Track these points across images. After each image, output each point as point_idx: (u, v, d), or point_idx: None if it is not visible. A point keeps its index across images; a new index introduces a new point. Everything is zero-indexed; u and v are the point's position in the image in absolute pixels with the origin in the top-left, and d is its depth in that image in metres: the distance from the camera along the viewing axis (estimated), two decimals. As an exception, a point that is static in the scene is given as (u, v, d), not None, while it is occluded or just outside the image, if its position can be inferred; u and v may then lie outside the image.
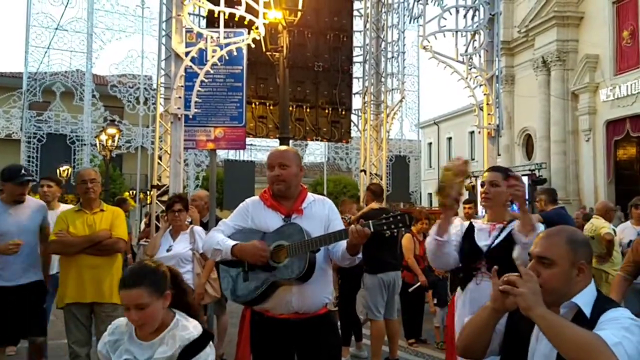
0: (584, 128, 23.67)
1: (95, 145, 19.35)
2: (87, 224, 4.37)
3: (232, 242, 2.93)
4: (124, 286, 2.08)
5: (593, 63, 23.13)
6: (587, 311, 1.81)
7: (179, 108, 5.81)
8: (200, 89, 5.77)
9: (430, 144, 40.99)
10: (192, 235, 4.99)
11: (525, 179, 22.66)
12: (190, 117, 5.86)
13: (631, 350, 1.65)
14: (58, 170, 20.69)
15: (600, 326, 1.73)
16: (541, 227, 2.97)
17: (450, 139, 38.62)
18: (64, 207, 5.16)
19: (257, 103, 8.38)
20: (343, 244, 2.88)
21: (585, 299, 1.83)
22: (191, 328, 2.12)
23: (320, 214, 3.06)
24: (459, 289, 3.29)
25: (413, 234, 6.68)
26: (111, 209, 4.67)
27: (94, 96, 23.10)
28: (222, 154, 26.32)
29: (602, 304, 1.84)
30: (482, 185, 3.17)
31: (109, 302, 4.21)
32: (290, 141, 21.53)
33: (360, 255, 2.98)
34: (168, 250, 4.89)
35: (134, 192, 24.38)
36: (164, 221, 5.46)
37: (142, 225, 10.54)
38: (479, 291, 3.05)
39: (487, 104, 6.92)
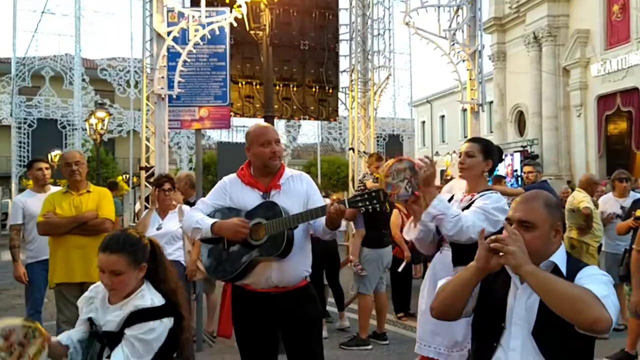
0: (575, 103, 23.71)
1: (86, 129, 19.27)
2: (73, 205, 4.40)
3: (211, 220, 2.96)
4: (104, 250, 2.14)
5: (584, 38, 23.09)
6: (563, 269, 1.90)
7: (162, 88, 5.80)
8: (183, 68, 5.75)
9: (423, 122, 41.01)
10: (180, 213, 5.03)
11: (517, 156, 22.91)
12: (174, 97, 5.84)
13: (616, 301, 1.73)
14: (49, 155, 20.62)
15: (580, 282, 1.80)
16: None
17: (443, 117, 38.63)
18: (53, 189, 5.17)
19: (243, 83, 8.36)
20: (323, 218, 2.92)
21: (560, 258, 1.92)
22: (149, 299, 2.15)
23: (298, 190, 3.09)
24: None
25: (400, 210, 6.74)
26: (98, 189, 4.71)
27: (83, 80, 22.96)
28: (215, 136, 26.34)
29: (574, 262, 1.94)
30: (459, 155, 3.22)
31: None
32: (283, 121, 21.41)
33: (343, 229, 3.04)
34: (158, 229, 4.93)
35: (127, 176, 24.33)
36: (152, 201, 5.49)
37: (137, 207, 10.56)
38: (442, 259, 3.16)
39: (470, 79, 6.94)
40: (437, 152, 33.70)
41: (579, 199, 6.29)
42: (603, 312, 1.67)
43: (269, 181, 3.07)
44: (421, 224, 3.00)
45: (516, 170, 22.78)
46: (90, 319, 2.15)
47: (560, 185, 15.68)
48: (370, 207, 2.74)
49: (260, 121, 5.30)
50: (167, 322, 2.13)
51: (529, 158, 23.50)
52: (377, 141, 28.32)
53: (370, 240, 5.81)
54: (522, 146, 25.02)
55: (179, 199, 5.38)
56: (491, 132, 30.74)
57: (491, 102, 30.00)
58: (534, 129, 25.50)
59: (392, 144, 29.88)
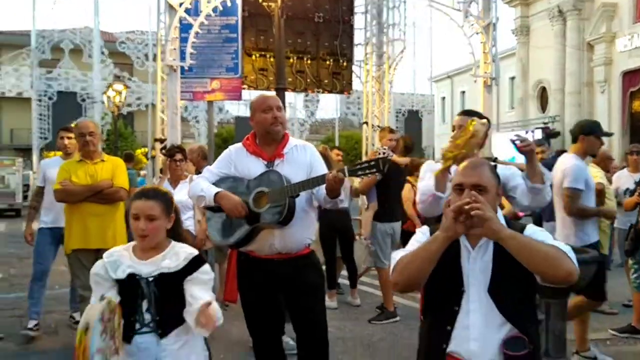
0: (599, 79, 23.20)
1: (105, 102, 19.47)
2: (88, 174, 4.49)
3: (215, 190, 3.02)
4: (142, 197, 2.28)
5: (610, 12, 22.45)
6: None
7: (174, 59, 5.82)
8: (195, 40, 5.76)
9: (443, 98, 40.48)
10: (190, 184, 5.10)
11: (538, 133, 22.59)
12: (186, 68, 5.88)
13: (573, 255, 1.88)
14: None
15: (534, 238, 1.92)
16: (549, 174, 3.19)
17: (464, 92, 38.08)
18: None
19: (257, 55, 8.32)
20: (324, 187, 2.95)
21: (503, 219, 2.02)
22: (188, 248, 2.33)
23: (302, 160, 3.11)
24: None
25: (412, 184, 6.73)
26: (111, 159, 4.79)
27: (102, 53, 23.10)
28: (233, 110, 26.40)
29: (509, 221, 2.05)
30: (453, 129, 3.17)
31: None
32: (302, 95, 21.27)
33: (342, 198, 3.06)
34: None
35: (146, 149, 24.59)
36: (164, 171, 5.57)
37: (155, 182, 10.71)
38: None
39: (484, 52, 6.82)
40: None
41: (592, 174, 6.18)
42: (573, 265, 1.84)
43: (273, 150, 3.10)
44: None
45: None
46: (131, 275, 2.23)
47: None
48: (369, 174, 2.76)
49: (271, 93, 5.31)
50: (210, 269, 2.32)
51: (550, 135, 23.17)
52: (396, 117, 28.18)
53: (382, 214, 5.83)
54: (543, 123, 24.65)
55: (190, 169, 5.45)
56: (512, 108, 30.29)
57: (513, 78, 29.50)
58: (557, 105, 25.06)
59: (411, 120, 29.68)
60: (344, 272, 6.80)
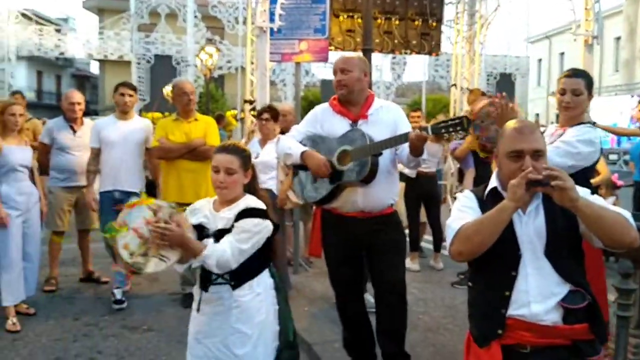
0: None
1: (197, 65, 20.16)
2: (184, 132, 4.74)
3: (302, 148, 3.11)
4: (223, 150, 2.40)
5: None
6: None
7: (264, 21, 5.93)
8: (284, 1, 5.82)
9: (540, 60, 38.19)
10: (277, 145, 5.22)
11: (644, 98, 20.91)
12: (275, 30, 5.96)
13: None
14: (164, 90, 21.90)
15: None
16: None
17: (562, 54, 35.71)
18: (138, 118, 5.16)
19: (345, 16, 8.23)
20: (407, 146, 2.95)
21: None
22: (253, 202, 2.38)
23: (386, 120, 3.12)
24: None
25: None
26: (204, 118, 5.02)
27: (195, 17, 23.84)
28: (319, 74, 26.47)
29: None
30: (562, 92, 2.94)
31: None
32: (389, 57, 20.85)
33: (425, 157, 3.06)
34: (255, 158, 5.17)
35: (235, 111, 25.37)
36: (254, 130, 5.72)
37: (243, 141, 11.10)
38: None
39: (586, 9, 6.35)
40: (552, 92, 31.51)
41: None
42: (636, 231, 1.88)
43: (358, 110, 3.13)
44: None
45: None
46: (200, 224, 2.38)
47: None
48: (453, 133, 2.72)
49: (358, 54, 5.28)
50: (269, 225, 2.37)
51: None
52: (488, 80, 27.02)
53: (479, 179, 5.73)
54: (651, 87, 22.73)
55: (277, 130, 5.57)
56: (617, 70, 28.09)
57: (619, 38, 27.25)
58: (667, 67, 22.97)
59: (504, 83, 28.34)
60: (427, 237, 6.78)
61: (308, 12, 5.88)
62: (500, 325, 1.94)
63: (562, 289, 1.95)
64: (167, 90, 23.06)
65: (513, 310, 1.94)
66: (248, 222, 2.30)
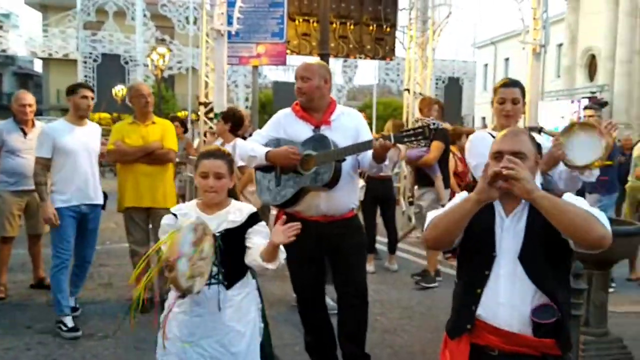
0: (652, 47, 22.22)
1: (147, 65, 19.75)
2: (140, 135, 4.65)
3: (266, 149, 3.13)
4: (211, 156, 2.45)
5: (668, -25, 21.32)
6: None
7: (221, 24, 5.90)
8: (242, 5, 5.81)
9: (486, 65, 39.44)
10: (234, 148, 5.21)
11: (585, 102, 21.94)
12: (233, 33, 5.95)
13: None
14: (113, 90, 21.36)
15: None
16: None
17: (507, 60, 36.98)
18: (91, 124, 4.60)
19: (300, 20, 8.26)
20: (370, 153, 3.02)
21: (539, 186, 2.03)
22: (247, 205, 2.51)
23: (348, 126, 3.19)
24: None
25: (453, 153, 6.71)
26: (161, 121, 4.94)
27: (145, 16, 23.35)
28: (271, 75, 26.41)
29: (548, 191, 2.03)
30: (501, 101, 3.02)
31: (164, 207, 4.35)
32: (340, 60, 21.02)
33: (386, 164, 3.13)
34: None
35: (186, 112, 24.99)
36: (210, 136, 5.67)
37: (196, 143, 10.93)
38: None
39: (534, 18, 6.63)
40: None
41: None
42: (606, 229, 1.85)
43: (320, 116, 3.18)
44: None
45: (580, 118, 21.84)
46: None
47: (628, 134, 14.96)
48: (415, 142, 2.81)
49: (316, 59, 5.33)
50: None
51: (597, 104, 22.42)
52: (437, 84, 27.67)
53: (429, 180, 5.96)
54: (591, 92, 23.86)
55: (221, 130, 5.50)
56: (558, 76, 29.32)
57: (560, 45, 28.46)
58: (606, 74, 24.16)
59: (452, 88, 29.12)
60: (381, 238, 6.91)
61: (266, 16, 5.91)
62: (469, 321, 2.01)
63: (535, 298, 1.96)
64: (116, 90, 22.55)
65: (482, 311, 2.00)
66: (262, 226, 2.44)
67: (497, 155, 2.03)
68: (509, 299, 1.97)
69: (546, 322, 1.93)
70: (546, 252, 1.97)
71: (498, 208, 2.05)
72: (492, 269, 2.01)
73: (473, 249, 2.06)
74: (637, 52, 22.90)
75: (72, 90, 4.40)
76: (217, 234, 2.36)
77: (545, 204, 1.87)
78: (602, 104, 22.50)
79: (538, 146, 2.14)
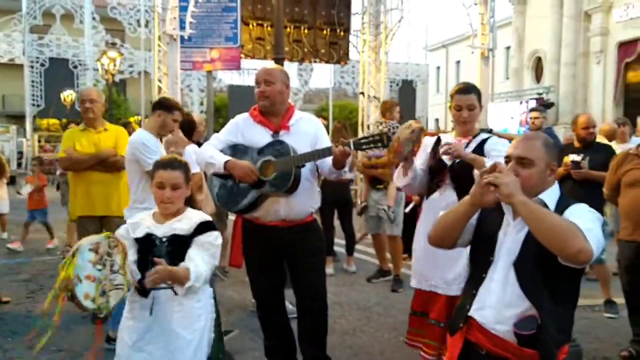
0: (595, 50, 23.17)
1: (98, 69, 19.24)
2: (92, 142, 4.54)
3: (225, 158, 3.10)
4: (168, 167, 2.42)
5: (608, -19, 22.30)
6: (552, 206, 2.02)
7: (174, 29, 5.83)
8: (194, 9, 5.76)
9: (438, 68, 40.28)
10: (187, 155, 5.15)
11: (532, 103, 22.73)
12: (186, 38, 5.89)
13: (599, 235, 1.87)
14: (62, 95, 20.70)
15: (567, 217, 1.91)
16: None
17: (459, 62, 37.89)
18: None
19: (254, 24, 8.25)
20: (329, 159, 3.05)
21: (550, 196, 2.05)
22: (199, 214, 2.48)
23: (307, 131, 3.20)
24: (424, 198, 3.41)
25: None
26: (114, 128, 4.83)
27: (94, 19, 22.74)
28: (226, 79, 26.17)
29: (565, 201, 2.05)
30: (458, 108, 3.13)
31: (118, 216, 4.29)
32: (295, 64, 21.01)
33: (346, 169, 3.16)
34: None
35: (139, 117, 24.47)
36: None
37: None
38: (443, 199, 3.19)
39: (482, 23, 6.84)
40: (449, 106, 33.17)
41: None
42: (586, 243, 1.79)
43: (279, 121, 3.18)
44: (412, 171, 3.15)
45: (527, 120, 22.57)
46: (146, 235, 2.39)
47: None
48: (374, 149, 2.86)
49: (271, 63, 5.33)
50: (219, 234, 2.44)
51: (544, 105, 23.24)
52: (391, 87, 28.00)
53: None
54: (538, 93, 24.68)
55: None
56: (507, 78, 30.22)
57: (508, 48, 29.35)
58: (552, 76, 25.05)
59: (405, 90, 29.52)
60: (338, 240, 6.96)
61: (219, 21, 5.87)
62: (463, 320, 2.08)
63: (522, 307, 1.95)
64: (65, 95, 21.86)
65: (475, 312, 2.05)
66: (211, 237, 2.37)
67: (507, 160, 2.08)
68: (495, 302, 2.01)
69: (525, 333, 1.92)
70: (541, 262, 1.92)
71: (508, 212, 2.08)
72: (487, 272, 2.06)
73: (477, 252, 2.14)
74: (581, 54, 23.85)
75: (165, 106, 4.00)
76: (164, 239, 2.35)
77: (522, 210, 1.87)
78: (548, 105, 23.37)
79: (561, 150, 2.16)
